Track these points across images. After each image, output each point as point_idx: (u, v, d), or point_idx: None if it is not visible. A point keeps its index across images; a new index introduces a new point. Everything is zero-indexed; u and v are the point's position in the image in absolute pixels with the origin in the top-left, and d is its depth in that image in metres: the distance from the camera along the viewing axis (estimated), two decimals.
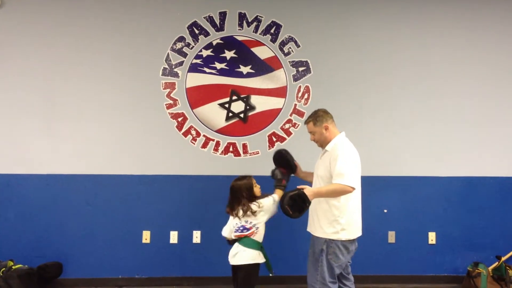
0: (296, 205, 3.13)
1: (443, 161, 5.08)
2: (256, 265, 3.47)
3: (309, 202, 3.16)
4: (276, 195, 3.56)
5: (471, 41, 5.17)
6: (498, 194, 5.11)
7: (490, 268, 4.81)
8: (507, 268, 4.78)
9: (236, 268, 3.51)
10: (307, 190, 3.17)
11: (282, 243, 4.85)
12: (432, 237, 5.04)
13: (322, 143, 3.54)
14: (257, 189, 3.58)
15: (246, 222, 3.47)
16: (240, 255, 3.45)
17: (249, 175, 3.63)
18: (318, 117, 3.52)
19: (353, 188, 3.26)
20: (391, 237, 5.03)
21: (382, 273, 5.01)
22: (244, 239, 3.47)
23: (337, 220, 3.32)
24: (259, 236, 3.50)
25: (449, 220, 5.05)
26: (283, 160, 3.82)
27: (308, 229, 3.58)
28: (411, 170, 5.05)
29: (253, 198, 3.51)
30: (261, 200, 3.48)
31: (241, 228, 3.48)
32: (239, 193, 3.49)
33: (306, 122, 3.62)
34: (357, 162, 3.41)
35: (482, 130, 5.13)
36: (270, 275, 3.60)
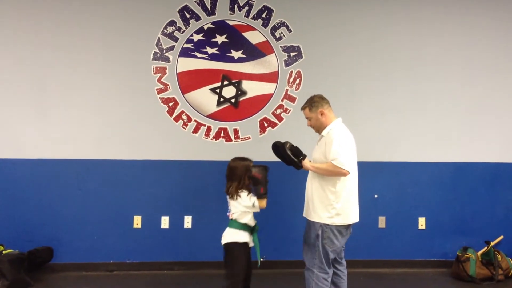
0: (291, 150, 3.39)
1: (434, 147, 5.10)
2: (234, 244, 3.38)
3: (300, 163, 3.37)
4: (259, 201, 3.36)
5: (463, 27, 5.16)
6: (487, 180, 5.14)
7: (479, 253, 4.85)
8: (496, 253, 4.82)
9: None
10: (306, 159, 3.41)
11: (273, 228, 4.87)
12: (422, 222, 5.08)
13: (318, 128, 3.55)
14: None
15: (230, 204, 3.44)
16: (225, 234, 3.43)
17: (250, 158, 3.54)
18: (313, 102, 3.54)
19: (348, 172, 3.28)
20: (382, 222, 5.06)
21: (373, 258, 5.06)
22: (230, 221, 3.45)
23: (332, 205, 3.34)
24: (243, 220, 3.41)
25: (439, 205, 5.09)
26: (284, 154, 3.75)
27: (304, 214, 3.60)
28: (401, 156, 5.07)
29: (244, 182, 3.43)
30: (242, 198, 3.37)
31: (229, 210, 3.46)
32: (233, 172, 3.43)
33: (302, 108, 3.63)
34: (352, 147, 3.43)
35: (473, 117, 5.15)
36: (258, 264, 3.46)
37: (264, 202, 3.36)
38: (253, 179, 3.34)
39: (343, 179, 3.35)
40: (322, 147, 3.43)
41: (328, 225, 3.35)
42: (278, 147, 3.51)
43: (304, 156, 3.40)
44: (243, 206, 3.36)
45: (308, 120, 3.60)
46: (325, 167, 3.30)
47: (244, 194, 3.38)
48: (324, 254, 3.36)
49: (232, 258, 3.39)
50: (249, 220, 3.41)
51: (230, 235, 3.39)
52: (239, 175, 3.40)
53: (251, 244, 3.45)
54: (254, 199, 3.36)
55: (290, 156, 3.37)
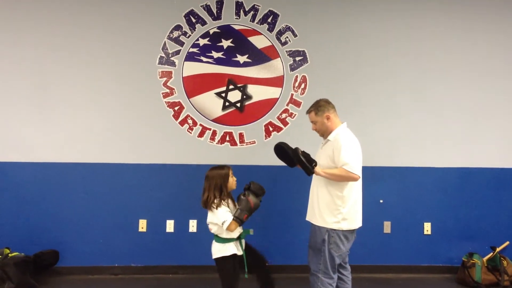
0: (304, 156, 3.33)
1: (439, 152, 5.09)
2: (223, 259, 3.36)
3: (312, 169, 3.29)
4: (230, 223, 3.27)
5: (466, 31, 5.15)
6: (492, 185, 5.12)
7: (485, 258, 4.83)
8: (502, 258, 4.80)
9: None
10: (318, 165, 3.34)
11: (279, 232, 4.87)
12: (427, 228, 5.06)
13: (324, 132, 3.55)
14: (232, 181, 3.46)
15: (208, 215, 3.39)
16: (212, 248, 3.42)
17: (227, 165, 3.50)
18: (319, 106, 3.54)
19: (359, 176, 3.30)
20: (387, 227, 5.05)
21: (378, 263, 5.04)
22: (215, 235, 3.42)
23: (339, 209, 3.34)
24: (223, 234, 3.36)
25: (444, 210, 5.07)
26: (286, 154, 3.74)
27: (308, 219, 3.59)
28: (406, 161, 5.06)
29: (225, 190, 3.39)
30: (220, 211, 3.30)
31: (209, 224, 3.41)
32: (211, 182, 3.38)
33: (308, 112, 3.63)
34: (359, 152, 3.43)
35: (478, 121, 5.14)
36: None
37: (234, 227, 3.30)
38: (244, 203, 3.31)
39: (350, 184, 3.35)
40: (328, 152, 3.42)
41: (334, 230, 3.35)
42: (285, 151, 3.50)
43: (316, 163, 3.38)
44: (215, 220, 3.31)
45: (313, 124, 3.60)
46: (337, 172, 3.30)
47: (223, 209, 3.32)
48: (329, 259, 3.36)
49: (223, 272, 3.39)
50: (229, 234, 3.35)
51: (217, 250, 3.38)
52: (218, 184, 3.37)
53: (239, 253, 3.39)
54: (229, 218, 3.28)
55: (304, 162, 3.33)
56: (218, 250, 3.37)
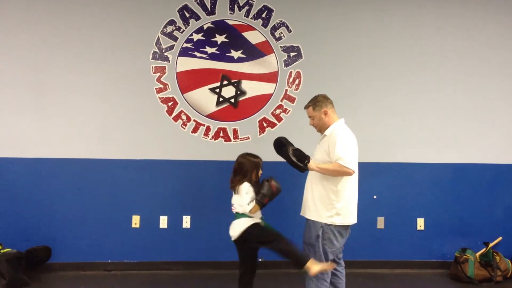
0: (295, 156, 3.34)
1: (433, 148, 5.11)
2: (253, 225, 3.41)
3: (306, 166, 3.32)
4: (253, 208, 3.39)
5: (462, 30, 5.16)
6: (486, 181, 5.15)
7: (478, 254, 4.84)
8: (494, 254, 4.83)
9: (237, 241, 3.47)
10: (311, 160, 3.36)
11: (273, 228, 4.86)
12: (420, 223, 5.08)
13: (321, 128, 3.55)
14: (258, 174, 3.54)
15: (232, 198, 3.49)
16: (235, 226, 3.43)
17: (260, 157, 3.58)
18: (317, 102, 3.53)
19: (353, 171, 3.29)
20: (380, 222, 5.06)
21: (371, 259, 5.06)
22: (237, 214, 3.46)
23: (333, 204, 3.34)
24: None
25: (438, 206, 5.09)
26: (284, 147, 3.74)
27: (302, 214, 3.59)
28: (401, 157, 5.08)
29: (249, 179, 3.46)
30: (241, 197, 3.41)
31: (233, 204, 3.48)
32: (242, 167, 3.48)
33: (306, 107, 3.62)
34: (355, 148, 3.43)
35: (472, 118, 5.15)
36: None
37: (256, 210, 3.40)
38: (266, 187, 3.38)
39: (345, 179, 3.34)
40: (325, 146, 3.42)
41: (328, 225, 3.35)
42: (281, 148, 3.50)
43: (308, 159, 3.36)
44: (240, 201, 3.39)
45: (311, 119, 3.59)
46: (331, 167, 3.30)
47: (245, 186, 3.40)
48: (323, 255, 3.36)
49: (260, 233, 3.42)
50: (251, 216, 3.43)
51: (241, 225, 3.40)
52: (245, 170, 3.45)
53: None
54: (252, 199, 3.38)
55: (295, 162, 3.34)
56: (243, 224, 3.40)
